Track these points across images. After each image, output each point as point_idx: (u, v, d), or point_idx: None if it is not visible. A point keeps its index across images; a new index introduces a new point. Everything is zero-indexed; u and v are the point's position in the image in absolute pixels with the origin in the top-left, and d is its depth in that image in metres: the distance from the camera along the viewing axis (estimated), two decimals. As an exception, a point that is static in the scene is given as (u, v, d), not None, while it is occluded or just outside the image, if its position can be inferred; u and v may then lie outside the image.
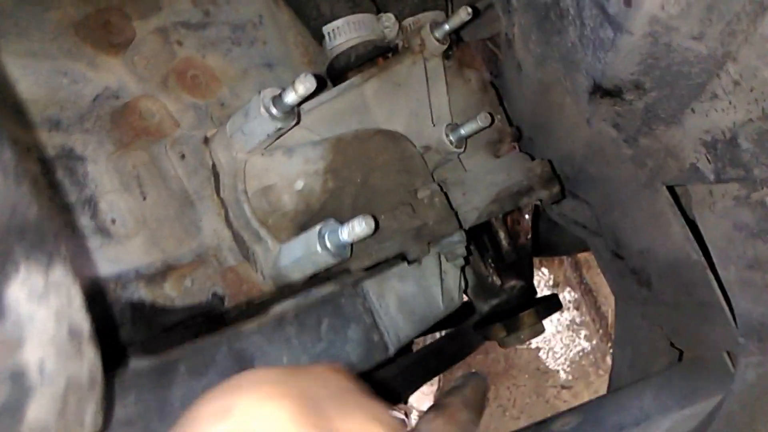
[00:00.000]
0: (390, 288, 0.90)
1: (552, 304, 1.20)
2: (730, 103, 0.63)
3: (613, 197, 1.12)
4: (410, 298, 0.90)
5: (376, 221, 0.81)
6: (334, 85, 1.13)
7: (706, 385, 1.03)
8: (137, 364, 0.64)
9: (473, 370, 0.90)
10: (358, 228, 0.77)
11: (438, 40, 1.12)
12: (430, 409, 0.75)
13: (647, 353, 1.38)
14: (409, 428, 0.69)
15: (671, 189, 0.97)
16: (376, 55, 1.14)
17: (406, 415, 2.69)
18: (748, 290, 0.82)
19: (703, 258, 0.91)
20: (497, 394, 3.06)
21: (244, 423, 0.45)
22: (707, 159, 0.74)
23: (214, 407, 0.47)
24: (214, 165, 0.90)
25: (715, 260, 0.89)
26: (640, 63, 0.67)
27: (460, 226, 0.95)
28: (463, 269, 1.03)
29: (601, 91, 0.80)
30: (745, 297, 0.84)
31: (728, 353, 0.99)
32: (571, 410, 1.19)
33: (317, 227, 0.80)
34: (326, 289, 0.82)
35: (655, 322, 1.30)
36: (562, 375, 3.08)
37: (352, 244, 0.82)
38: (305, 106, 0.98)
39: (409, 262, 0.91)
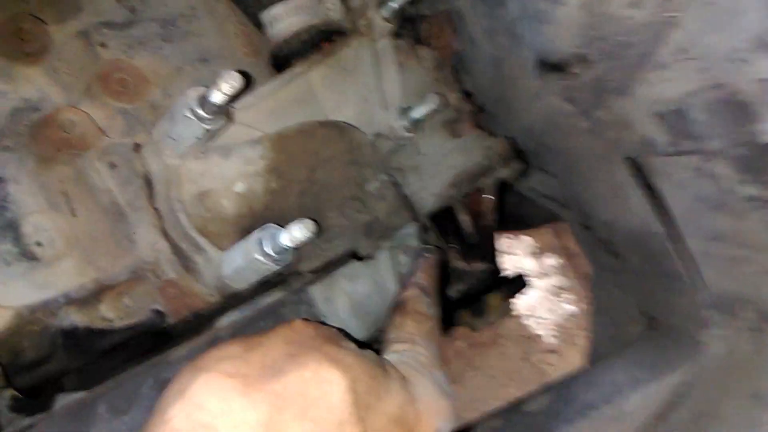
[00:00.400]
0: (339, 290, 0.86)
1: (517, 284, 1.17)
2: (677, 72, 0.59)
3: (575, 169, 1.09)
4: (363, 298, 0.86)
5: (318, 223, 0.76)
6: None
7: (676, 354, 1.00)
8: (60, 403, 0.60)
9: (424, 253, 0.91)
10: (297, 233, 0.72)
11: (386, 20, 1.06)
12: (391, 312, 0.74)
13: (623, 322, 1.35)
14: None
15: (632, 159, 0.93)
16: (320, 40, 1.08)
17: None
18: (712, 262, 0.79)
19: (663, 230, 0.88)
20: (485, 362, 3.06)
21: (197, 402, 0.50)
22: (661, 131, 0.70)
23: (174, 389, 0.53)
24: (146, 173, 0.85)
25: (681, 230, 0.85)
26: (580, 35, 0.63)
27: (413, 217, 0.91)
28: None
29: (547, 66, 0.75)
30: (710, 269, 0.81)
31: (696, 322, 0.97)
32: (542, 390, 1.16)
33: (255, 233, 0.76)
34: (272, 297, 0.78)
35: (627, 291, 1.27)
36: (549, 340, 3.08)
37: (295, 248, 0.78)
38: (244, 101, 0.93)
39: (360, 259, 0.87)
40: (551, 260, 3.14)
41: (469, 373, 3.03)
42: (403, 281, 0.81)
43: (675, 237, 0.87)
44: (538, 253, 3.17)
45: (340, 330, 0.63)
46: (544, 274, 3.15)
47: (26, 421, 0.58)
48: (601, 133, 0.89)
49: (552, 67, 0.77)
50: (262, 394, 0.51)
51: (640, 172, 0.93)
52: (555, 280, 3.14)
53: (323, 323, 0.63)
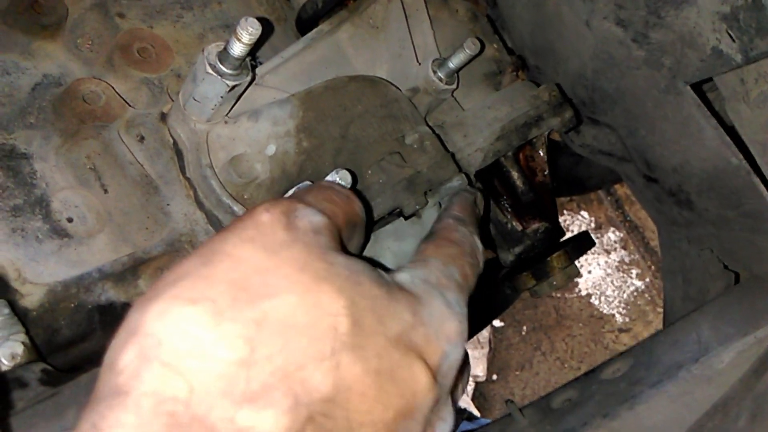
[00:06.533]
0: (385, 248, 0.80)
1: (583, 242, 1.08)
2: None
3: (635, 112, 0.99)
4: (410, 257, 0.80)
5: (354, 175, 0.71)
6: (307, 39, 1.03)
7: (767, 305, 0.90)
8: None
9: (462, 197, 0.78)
10: (333, 184, 0.67)
11: (412, -29, 1.00)
12: (421, 242, 0.65)
13: (700, 281, 1.25)
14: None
15: (698, 90, 0.84)
16: (345, -2, 1.03)
17: (460, 381, 2.60)
18: (802, 189, 0.70)
19: (744, 161, 0.79)
20: (553, 347, 2.95)
21: (154, 339, 0.40)
22: (730, 36, 0.61)
23: (123, 330, 0.42)
24: (175, 142, 0.81)
25: (758, 160, 0.76)
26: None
27: (460, 169, 0.84)
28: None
29: (593, -20, 0.68)
30: (800, 197, 0.71)
31: (790, 266, 0.87)
32: (620, 355, 1.07)
33: (290, 192, 0.71)
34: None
35: (703, 245, 1.17)
36: (618, 318, 2.94)
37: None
38: (269, 64, 0.88)
39: (406, 218, 0.81)
40: (613, 235, 3.00)
41: (536, 359, 2.93)
42: (436, 219, 0.73)
43: (757, 169, 0.78)
44: (598, 228, 3.03)
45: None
46: (606, 251, 3.01)
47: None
48: (660, 62, 0.81)
49: (599, -18, 0.69)
50: (238, 325, 0.40)
51: (709, 101, 0.84)
52: (619, 255, 3.00)
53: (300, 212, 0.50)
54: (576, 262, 1.09)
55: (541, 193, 1.07)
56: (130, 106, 0.82)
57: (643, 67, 0.85)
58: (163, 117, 0.83)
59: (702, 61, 0.70)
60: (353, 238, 0.60)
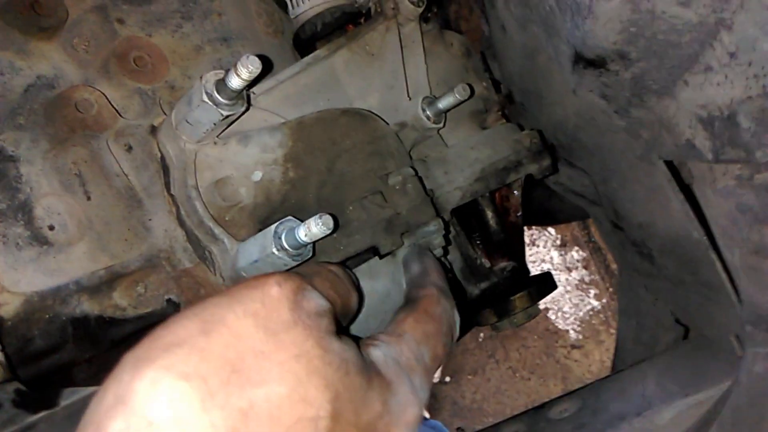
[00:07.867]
0: (358, 288, 0.83)
1: (546, 285, 1.12)
2: (726, 77, 0.54)
3: (610, 167, 1.03)
4: (383, 297, 0.83)
5: (337, 218, 0.73)
6: (302, 57, 1.04)
7: (712, 370, 0.95)
8: (65, 401, 0.58)
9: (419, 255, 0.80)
10: (315, 228, 0.69)
11: (413, 3, 1.01)
12: (401, 309, 0.69)
13: (652, 327, 1.31)
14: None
15: (671, 162, 0.88)
16: (345, 22, 1.04)
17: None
18: (754, 276, 0.74)
19: (705, 237, 0.83)
20: (507, 356, 3.02)
21: (145, 416, 0.41)
22: (704, 136, 0.65)
23: (111, 391, 0.43)
24: (162, 158, 0.82)
25: (718, 241, 0.80)
26: (622, 31, 0.58)
27: (437, 214, 0.87)
28: (444, 258, 0.95)
29: (584, 61, 0.70)
30: (751, 283, 0.76)
31: (736, 336, 0.92)
32: (569, 394, 1.12)
33: (273, 227, 0.73)
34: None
35: (659, 296, 1.22)
36: (572, 335, 3.03)
37: (313, 244, 0.75)
38: (263, 85, 0.90)
39: (381, 256, 0.84)
40: (576, 253, 3.08)
41: (489, 365, 3.00)
42: (414, 282, 0.76)
43: (716, 246, 0.82)
44: (562, 246, 3.11)
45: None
46: (568, 268, 3.09)
47: (28, 419, 0.57)
48: (638, 133, 0.84)
49: (589, 62, 0.72)
50: (225, 412, 0.42)
51: (679, 177, 0.88)
52: (579, 274, 3.08)
53: (310, 282, 0.54)
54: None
55: (512, 233, 1.11)
56: (121, 116, 0.82)
57: (621, 133, 0.88)
58: (154, 130, 0.84)
59: (676, 146, 0.73)
60: (343, 323, 0.66)
